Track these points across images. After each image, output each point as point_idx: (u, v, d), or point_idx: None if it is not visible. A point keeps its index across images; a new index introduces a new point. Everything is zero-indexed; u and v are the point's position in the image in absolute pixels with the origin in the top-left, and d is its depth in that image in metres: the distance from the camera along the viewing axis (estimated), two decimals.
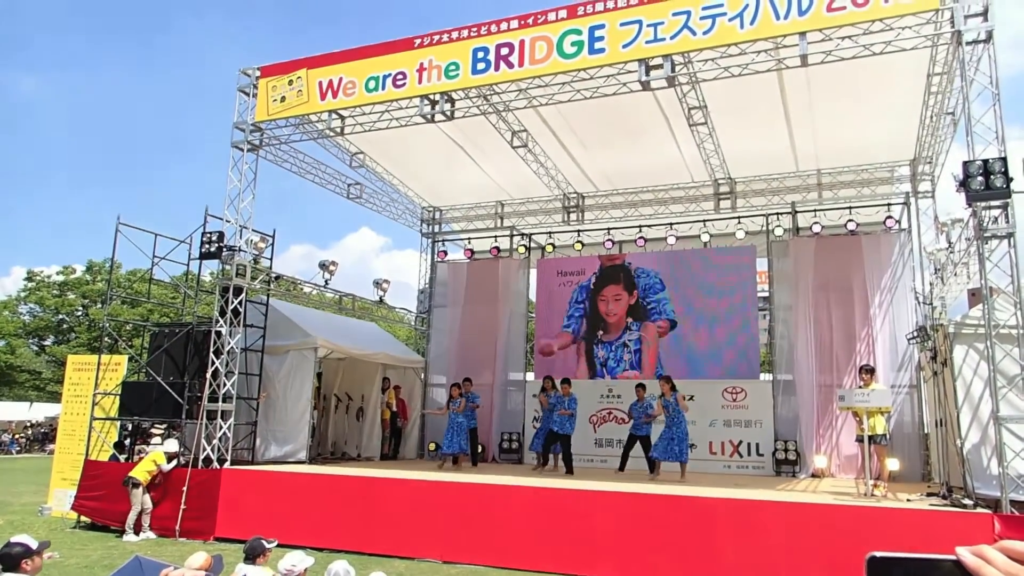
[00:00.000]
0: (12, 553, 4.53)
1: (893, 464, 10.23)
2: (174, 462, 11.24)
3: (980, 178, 7.70)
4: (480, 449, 14.81)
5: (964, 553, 0.70)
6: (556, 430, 12.29)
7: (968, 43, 8.28)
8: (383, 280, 17.00)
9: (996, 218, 7.92)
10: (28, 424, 36.41)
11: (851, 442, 11.77)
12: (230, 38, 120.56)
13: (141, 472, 10.97)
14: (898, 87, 10.71)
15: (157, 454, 11.32)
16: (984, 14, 8.27)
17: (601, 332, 15.55)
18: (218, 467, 11.15)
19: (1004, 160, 7.72)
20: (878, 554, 0.73)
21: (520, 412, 15.59)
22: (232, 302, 11.72)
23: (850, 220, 13.21)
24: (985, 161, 7.74)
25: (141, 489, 10.86)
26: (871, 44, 8.70)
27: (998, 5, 8.26)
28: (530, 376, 16.34)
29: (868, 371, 10.01)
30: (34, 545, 4.65)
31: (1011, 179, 7.66)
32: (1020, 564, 0.67)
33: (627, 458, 12.57)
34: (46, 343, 41.52)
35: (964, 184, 7.80)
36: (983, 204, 7.89)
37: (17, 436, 34.81)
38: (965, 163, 7.85)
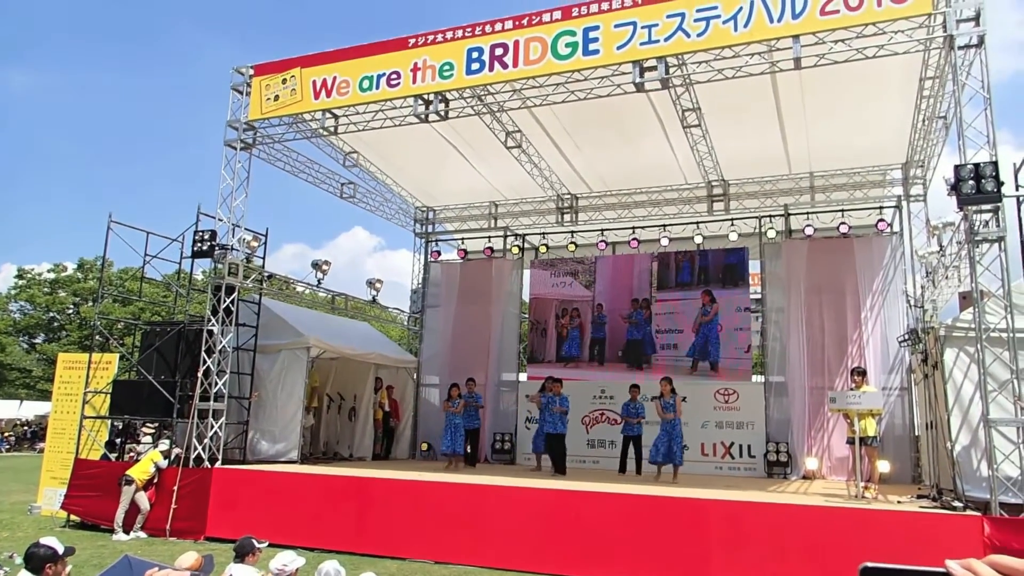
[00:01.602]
0: (39, 554, 4.27)
1: (884, 466, 10.27)
2: (168, 459, 11.22)
3: (971, 182, 7.73)
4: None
5: (954, 566, 0.69)
6: (550, 431, 12.29)
7: (960, 47, 8.33)
8: (376, 280, 16.98)
9: (987, 222, 7.96)
10: (18, 422, 36.17)
11: (842, 444, 11.80)
12: (224, 36, 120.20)
13: (137, 471, 10.97)
14: (891, 91, 10.75)
15: (154, 454, 11.30)
16: (976, 19, 8.31)
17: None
18: (209, 466, 11.12)
19: (995, 164, 7.76)
20: (870, 564, 0.74)
21: (513, 413, 15.59)
22: (224, 301, 11.68)
23: (842, 223, 13.27)
24: (976, 165, 7.78)
25: (133, 487, 10.82)
26: (864, 48, 8.73)
27: (990, 7, 8.32)
28: (523, 377, 16.35)
29: (860, 373, 10.06)
30: (60, 550, 4.36)
31: (1002, 183, 7.70)
32: None
33: (626, 460, 12.58)
34: (36, 341, 41.28)
35: (955, 188, 7.83)
36: (974, 208, 7.92)
37: (7, 434, 34.58)
38: (956, 167, 7.89)
